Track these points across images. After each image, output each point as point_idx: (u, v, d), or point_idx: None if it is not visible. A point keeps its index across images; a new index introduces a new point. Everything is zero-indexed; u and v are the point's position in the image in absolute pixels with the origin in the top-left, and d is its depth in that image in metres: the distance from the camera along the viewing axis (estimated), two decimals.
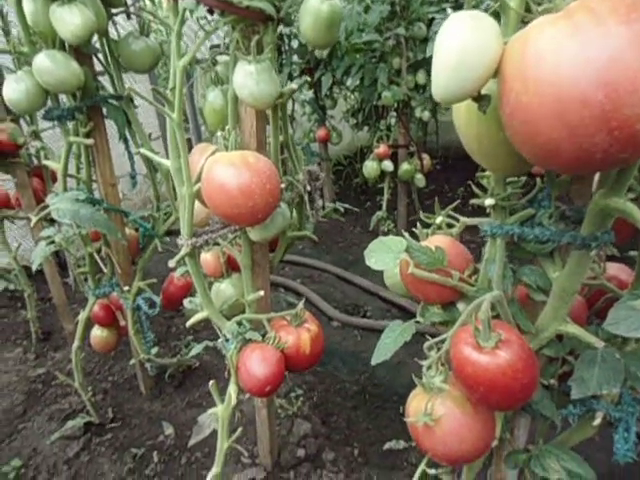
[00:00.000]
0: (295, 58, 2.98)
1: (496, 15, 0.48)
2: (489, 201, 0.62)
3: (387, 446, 1.54)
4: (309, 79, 2.99)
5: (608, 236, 0.56)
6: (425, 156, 2.83)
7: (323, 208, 1.29)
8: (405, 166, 2.76)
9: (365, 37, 2.47)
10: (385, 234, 2.97)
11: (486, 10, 0.49)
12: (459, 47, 0.42)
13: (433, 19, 2.71)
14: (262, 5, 0.78)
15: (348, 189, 3.93)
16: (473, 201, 0.65)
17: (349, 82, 3.06)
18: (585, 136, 0.37)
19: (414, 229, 0.76)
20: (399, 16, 2.42)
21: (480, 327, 0.59)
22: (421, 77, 2.54)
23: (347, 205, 1.28)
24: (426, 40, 2.67)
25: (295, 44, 2.97)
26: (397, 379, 1.87)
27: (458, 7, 2.82)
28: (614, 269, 0.80)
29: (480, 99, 0.47)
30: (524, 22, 0.50)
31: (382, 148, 2.74)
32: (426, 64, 2.59)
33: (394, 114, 2.82)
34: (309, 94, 3.20)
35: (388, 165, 2.75)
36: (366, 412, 1.71)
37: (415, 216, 3.28)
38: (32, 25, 1.08)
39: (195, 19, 0.80)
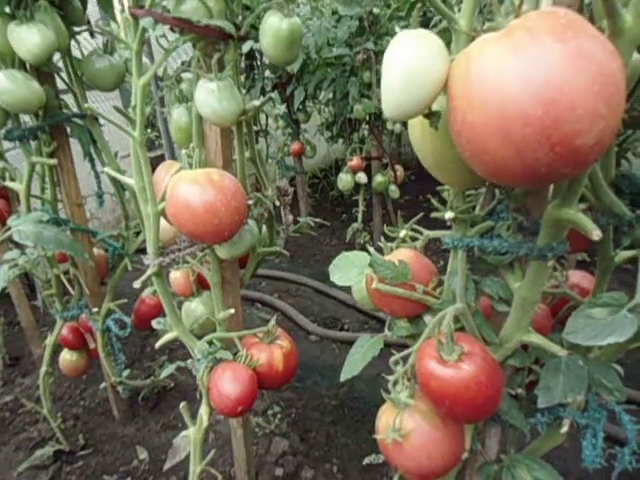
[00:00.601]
0: (267, 73, 3.00)
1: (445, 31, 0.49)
2: (449, 214, 0.62)
3: (366, 461, 1.51)
4: (281, 94, 3.01)
5: (563, 246, 0.56)
6: (399, 167, 2.86)
7: (295, 223, 1.29)
8: (379, 178, 2.79)
9: (335, 52, 2.49)
10: (361, 246, 2.98)
11: (435, 26, 0.50)
12: (405, 66, 0.43)
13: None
14: (221, 24, 0.78)
15: (324, 201, 3.94)
16: (434, 214, 0.65)
17: (322, 96, 3.09)
18: (528, 152, 0.38)
19: (380, 243, 0.76)
20: (368, 31, 2.45)
21: (443, 340, 0.59)
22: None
23: (319, 220, 1.28)
24: None
25: (267, 59, 2.98)
26: (376, 391, 1.85)
27: (426, 23, 2.89)
28: (576, 277, 0.82)
29: (431, 116, 0.47)
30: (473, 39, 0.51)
31: (355, 161, 2.76)
32: None
33: (366, 127, 2.85)
34: (282, 108, 3.21)
35: (362, 177, 2.77)
36: (345, 427, 1.70)
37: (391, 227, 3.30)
38: None
39: (155, 38, 0.79)
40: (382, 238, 0.81)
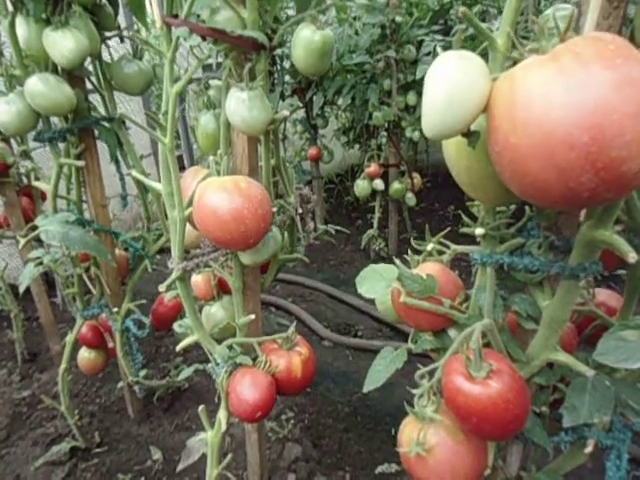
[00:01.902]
0: (287, 78, 3.02)
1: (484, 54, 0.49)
2: (479, 231, 0.62)
3: (379, 470, 1.52)
4: (300, 99, 3.02)
5: (596, 267, 0.56)
6: (416, 175, 2.86)
7: (315, 230, 1.29)
8: (396, 185, 2.79)
9: (356, 59, 2.50)
10: (376, 253, 2.99)
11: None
12: (447, 87, 0.43)
13: (422, 41, 2.78)
14: (255, 34, 0.79)
15: (339, 207, 3.95)
16: (463, 230, 0.66)
17: (340, 102, 3.10)
18: (572, 176, 0.38)
19: (405, 256, 0.77)
20: (389, 39, 2.46)
21: (472, 357, 0.59)
22: (411, 98, 2.58)
23: (338, 227, 1.28)
24: (416, 62, 2.72)
25: (287, 64, 3.00)
26: (389, 400, 1.86)
27: (446, 31, 2.88)
28: (603, 295, 0.81)
29: (469, 135, 0.48)
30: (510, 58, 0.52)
31: (373, 167, 2.76)
32: (416, 85, 2.63)
33: (385, 134, 2.86)
34: (301, 113, 3.23)
35: (379, 184, 2.77)
36: (358, 434, 1.70)
37: (406, 234, 3.30)
38: (25, 48, 1.08)
39: (188, 47, 0.81)
40: (408, 248, 0.81)
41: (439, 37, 2.67)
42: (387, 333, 2.36)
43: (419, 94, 2.57)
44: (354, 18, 2.46)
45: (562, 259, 0.60)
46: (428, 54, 2.67)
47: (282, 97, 3.05)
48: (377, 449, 1.62)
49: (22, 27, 1.07)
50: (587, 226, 0.54)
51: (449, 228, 0.76)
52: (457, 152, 0.54)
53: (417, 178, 2.86)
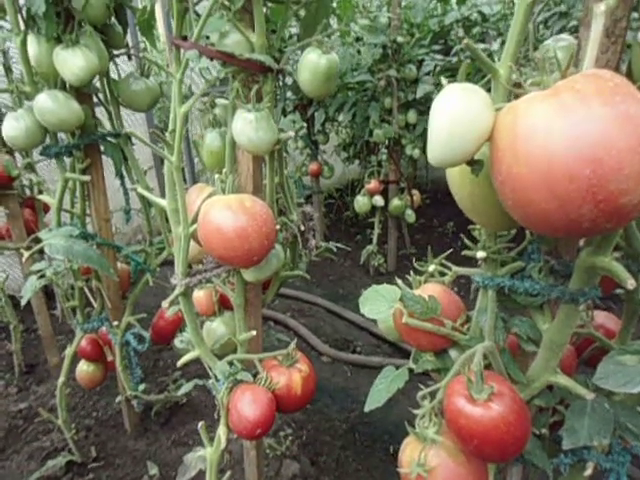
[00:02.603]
0: (289, 94, 3.06)
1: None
2: (481, 254, 0.64)
3: None
4: (301, 115, 3.06)
5: (596, 292, 0.57)
6: (415, 192, 2.89)
7: (317, 248, 1.30)
8: (396, 202, 2.81)
9: (358, 77, 2.54)
10: (375, 269, 2.99)
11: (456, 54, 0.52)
12: (450, 119, 0.45)
13: (423, 60, 2.82)
14: (262, 58, 0.81)
15: (339, 222, 3.96)
16: (465, 252, 0.67)
17: (341, 117, 3.14)
18: (573, 207, 0.39)
19: (407, 276, 0.78)
20: (391, 58, 2.50)
21: (473, 379, 0.59)
22: (411, 116, 2.62)
23: (339, 244, 1.29)
24: (417, 81, 2.76)
25: (289, 80, 3.05)
26: (388, 417, 1.85)
27: (447, 51, 2.93)
28: (602, 317, 0.82)
29: (473, 164, 0.49)
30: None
31: (373, 184, 2.79)
32: (417, 104, 2.67)
33: (385, 151, 2.89)
34: (302, 129, 3.26)
35: (379, 200, 2.80)
36: (356, 452, 1.69)
37: (405, 250, 3.32)
38: (35, 66, 1.10)
39: (198, 70, 0.83)
40: (407, 264, 0.82)
41: (439, 57, 2.72)
42: (386, 349, 2.36)
43: (419, 112, 2.61)
44: (356, 39, 2.50)
45: (562, 283, 0.61)
46: (428, 73, 2.71)
47: (284, 113, 3.09)
48: (375, 467, 1.61)
49: (33, 45, 1.09)
50: (586, 252, 0.55)
51: (451, 250, 0.78)
52: (461, 179, 0.56)
53: (417, 195, 2.88)
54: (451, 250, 0.79)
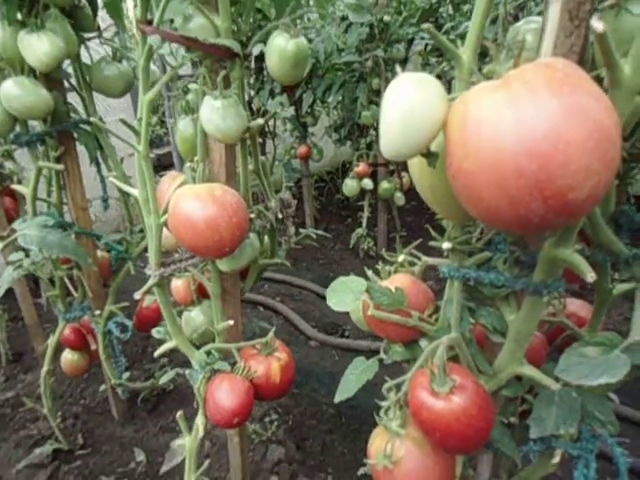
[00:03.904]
0: None
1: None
2: (446, 245, 0.62)
3: (361, 471, 1.52)
4: (289, 97, 3.01)
5: (559, 283, 0.57)
6: (405, 174, 2.86)
7: (297, 233, 1.29)
8: (385, 185, 2.79)
9: (344, 58, 2.49)
10: (365, 252, 2.99)
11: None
12: (401, 110, 0.43)
13: (413, 39, 2.77)
14: (228, 43, 0.78)
15: (330, 205, 3.94)
16: (431, 243, 0.66)
17: (330, 99, 3.09)
18: (522, 203, 0.38)
19: (377, 267, 0.77)
20: (378, 38, 2.45)
21: (436, 372, 0.59)
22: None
23: (320, 232, 1.28)
24: (405, 61, 2.71)
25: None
26: (373, 401, 1.86)
27: (437, 29, 2.87)
28: (574, 305, 0.81)
29: (429, 156, 0.47)
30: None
31: (362, 167, 2.76)
32: None
33: (374, 133, 2.85)
34: (290, 111, 3.21)
35: (368, 183, 2.77)
36: (342, 435, 1.70)
37: (395, 233, 3.30)
38: (0, 51, 1.07)
39: (162, 53, 0.80)
40: (387, 243, 0.81)
41: (429, 35, 2.67)
42: (373, 334, 2.36)
43: None
44: (342, 18, 2.44)
45: (527, 274, 0.60)
46: (416, 53, 2.66)
47: (272, 95, 3.04)
48: (360, 450, 1.63)
49: None
50: (549, 244, 0.54)
51: (420, 240, 0.76)
52: (420, 170, 0.54)
53: (406, 177, 2.86)
54: (421, 240, 0.78)
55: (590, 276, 0.49)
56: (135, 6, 0.85)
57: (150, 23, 0.87)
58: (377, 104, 2.62)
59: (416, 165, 0.55)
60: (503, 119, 0.38)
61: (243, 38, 0.84)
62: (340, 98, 2.85)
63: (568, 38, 0.52)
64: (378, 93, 2.62)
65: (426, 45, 2.98)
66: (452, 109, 0.43)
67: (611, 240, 0.58)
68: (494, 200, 0.39)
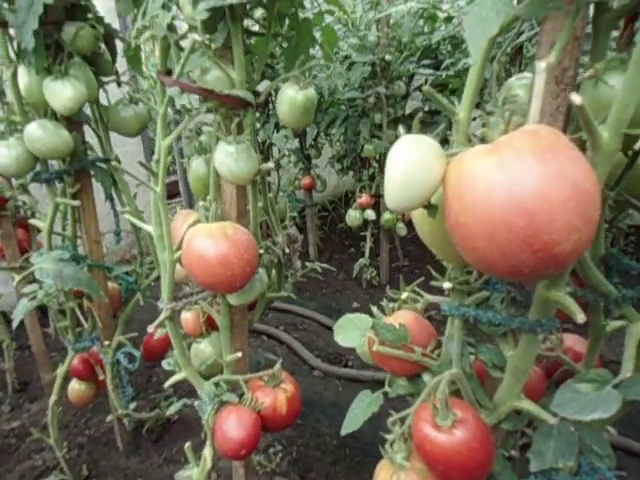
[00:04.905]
0: None
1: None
2: (446, 285, 0.67)
3: None
4: (294, 130, 3.09)
5: (552, 323, 0.60)
6: None
7: (303, 267, 1.33)
8: (387, 215, 2.84)
9: (348, 94, 2.59)
10: (368, 281, 3.02)
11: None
12: (403, 169, 0.48)
13: (413, 75, 2.87)
14: (242, 94, 0.84)
15: (333, 234, 3.99)
16: (433, 283, 0.70)
17: (334, 131, 3.18)
18: (513, 255, 0.42)
19: (382, 303, 0.81)
20: (380, 75, 2.55)
21: (438, 406, 0.62)
22: (401, 132, 2.64)
23: (325, 265, 1.32)
24: (406, 97, 2.80)
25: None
26: (378, 431, 1.86)
27: (437, 65, 2.98)
28: (570, 340, 0.85)
29: (429, 207, 0.52)
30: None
31: (365, 198, 2.83)
32: (408, 119, 2.71)
33: (376, 165, 2.93)
34: (295, 143, 3.31)
35: (370, 214, 2.83)
36: (346, 467, 1.70)
37: (398, 263, 3.34)
38: (25, 96, 1.14)
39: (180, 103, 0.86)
40: (399, 276, 0.85)
41: (429, 71, 2.76)
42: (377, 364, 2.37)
43: (409, 128, 2.65)
44: (345, 57, 2.55)
45: (522, 314, 0.64)
46: (419, 88, 2.76)
47: (277, 128, 3.13)
48: None
49: (24, 76, 1.12)
50: (542, 286, 0.58)
51: (422, 278, 0.81)
52: (421, 218, 0.59)
53: None
54: (422, 279, 0.82)
55: (580, 317, 0.53)
56: (155, 59, 0.91)
57: (169, 73, 0.94)
58: (379, 138, 2.70)
59: (418, 213, 0.59)
60: (494, 180, 0.42)
61: (255, 88, 0.90)
62: (343, 131, 2.94)
63: (555, 100, 0.58)
64: (380, 127, 2.71)
65: (426, 80, 3.08)
66: (450, 167, 0.48)
67: (601, 282, 0.62)
68: (487, 251, 0.44)
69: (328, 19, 2.63)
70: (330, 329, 2.70)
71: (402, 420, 0.69)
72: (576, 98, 0.43)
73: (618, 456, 0.74)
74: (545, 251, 0.41)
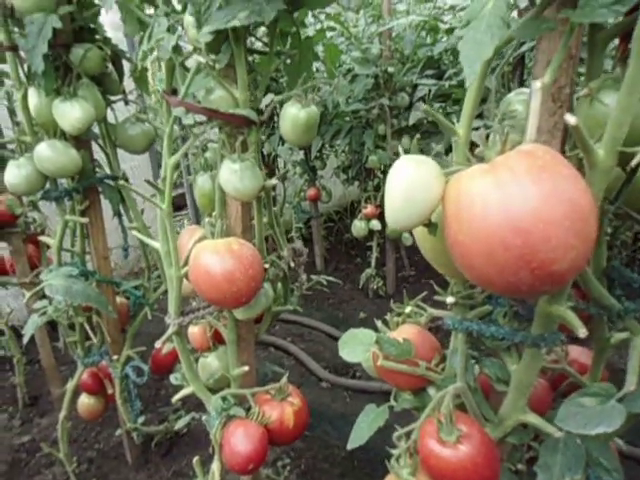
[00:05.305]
0: None
1: None
2: (450, 299, 0.67)
3: None
4: None
5: (555, 337, 0.61)
6: None
7: (308, 280, 1.34)
8: None
9: (351, 106, 2.61)
10: (374, 292, 3.02)
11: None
12: (405, 186, 0.49)
13: (416, 86, 2.89)
14: (245, 113, 0.86)
15: (339, 244, 4.00)
16: (436, 297, 0.70)
17: (339, 142, 3.21)
18: (510, 273, 0.43)
19: (386, 317, 0.81)
20: (383, 87, 2.57)
21: (443, 421, 0.63)
22: (405, 142, 2.67)
23: (331, 278, 1.33)
24: (410, 107, 2.82)
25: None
26: (386, 443, 1.86)
27: (440, 75, 3.00)
28: (576, 352, 0.85)
29: (429, 225, 0.53)
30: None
31: (370, 208, 2.84)
32: (412, 130, 2.73)
33: (381, 175, 2.94)
34: (300, 155, 3.33)
35: (376, 224, 2.84)
36: (354, 479, 1.70)
37: (404, 272, 3.34)
38: (35, 117, 1.16)
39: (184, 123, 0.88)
40: (406, 286, 0.86)
41: (432, 82, 2.78)
42: None
43: (412, 138, 2.66)
44: (348, 70, 2.58)
45: (526, 327, 0.64)
46: (422, 99, 2.77)
47: (282, 141, 3.16)
48: None
49: (34, 97, 1.15)
50: (543, 301, 0.59)
51: (425, 292, 0.81)
52: (422, 235, 0.60)
53: None
54: (425, 293, 0.82)
55: (582, 332, 0.54)
56: (160, 79, 0.94)
57: (174, 92, 0.96)
58: (383, 149, 2.72)
59: (419, 231, 0.60)
60: (491, 200, 0.43)
61: (259, 106, 0.92)
62: (348, 142, 2.96)
63: (552, 117, 0.59)
64: (384, 138, 2.73)
65: (429, 90, 3.10)
66: (449, 186, 0.49)
67: (602, 295, 0.63)
68: (485, 268, 0.45)
69: (331, 33, 2.67)
70: (337, 340, 2.69)
71: (408, 435, 0.69)
72: (571, 119, 0.44)
73: (629, 466, 0.74)
74: (542, 269, 0.42)
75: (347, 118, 2.93)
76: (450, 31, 2.48)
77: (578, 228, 0.41)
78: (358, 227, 2.85)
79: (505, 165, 0.44)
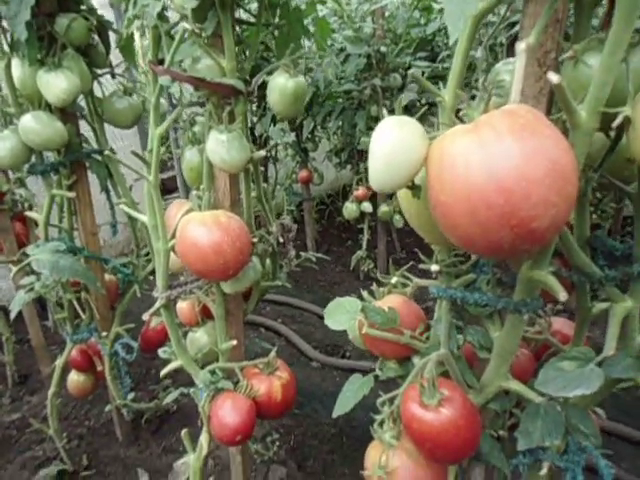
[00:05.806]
0: None
1: None
2: (434, 267, 0.68)
3: None
4: (290, 123, 3.10)
5: (537, 302, 0.61)
6: None
7: (297, 257, 1.34)
8: (384, 208, 2.85)
9: (343, 86, 2.59)
10: (365, 273, 3.03)
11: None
12: (386, 150, 0.49)
13: (409, 67, 2.87)
14: (232, 82, 0.85)
15: (331, 227, 4.00)
16: (421, 266, 0.71)
17: (330, 124, 3.18)
18: (492, 232, 0.43)
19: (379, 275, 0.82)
20: (375, 67, 2.55)
21: (425, 385, 0.63)
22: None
23: (319, 254, 1.34)
24: (402, 88, 2.80)
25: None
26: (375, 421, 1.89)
27: (433, 57, 2.97)
28: (559, 323, 0.86)
29: (413, 188, 0.53)
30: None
31: (361, 190, 2.83)
32: (403, 112, 2.71)
33: None
34: (291, 137, 3.31)
35: (367, 207, 2.84)
36: (343, 456, 1.72)
37: (395, 254, 3.36)
38: (19, 88, 1.14)
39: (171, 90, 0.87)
40: (387, 265, 0.86)
41: (425, 64, 2.76)
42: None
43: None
44: (340, 49, 2.55)
45: (508, 294, 0.65)
46: (413, 80, 2.76)
47: (273, 122, 3.13)
48: (361, 469, 1.64)
49: (17, 68, 1.13)
50: (526, 266, 0.59)
51: (411, 263, 0.82)
52: (407, 199, 0.60)
53: None
54: (411, 263, 0.83)
55: (562, 295, 0.54)
56: (147, 48, 0.92)
57: (161, 62, 0.94)
58: None
59: (403, 195, 0.60)
60: (474, 159, 0.43)
61: (247, 77, 0.91)
62: (340, 124, 2.94)
63: (538, 82, 0.59)
64: (376, 119, 2.71)
65: (423, 72, 3.08)
66: (432, 147, 0.49)
67: (585, 262, 0.63)
68: (468, 229, 0.45)
69: (323, 11, 2.63)
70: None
71: (391, 400, 0.70)
72: (554, 77, 0.43)
73: (611, 442, 0.76)
74: (523, 227, 0.42)
75: (339, 99, 2.91)
76: (442, 10, 2.45)
77: (559, 186, 0.42)
78: (349, 209, 2.85)
79: (488, 124, 0.44)
